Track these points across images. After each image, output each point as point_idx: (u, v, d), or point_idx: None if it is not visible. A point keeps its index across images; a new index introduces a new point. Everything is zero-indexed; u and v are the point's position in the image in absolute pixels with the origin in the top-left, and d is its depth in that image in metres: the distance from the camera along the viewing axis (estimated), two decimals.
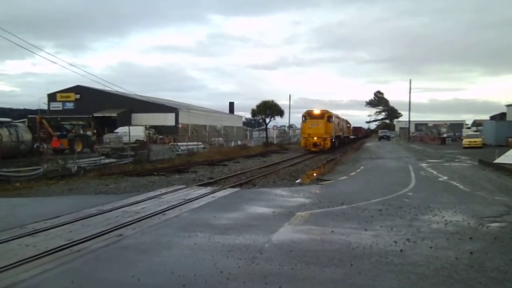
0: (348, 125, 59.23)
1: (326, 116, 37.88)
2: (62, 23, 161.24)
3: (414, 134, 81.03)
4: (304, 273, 5.60)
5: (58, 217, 9.23)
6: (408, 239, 7.24)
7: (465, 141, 43.13)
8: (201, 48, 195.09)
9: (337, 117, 43.94)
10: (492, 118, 64.42)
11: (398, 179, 16.61)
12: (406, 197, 12.07)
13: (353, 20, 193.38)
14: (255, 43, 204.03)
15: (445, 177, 17.18)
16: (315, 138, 36.37)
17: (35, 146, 29.87)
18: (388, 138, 73.71)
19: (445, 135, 64.77)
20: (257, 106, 52.52)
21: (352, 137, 64.58)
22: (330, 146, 36.70)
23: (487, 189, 13.80)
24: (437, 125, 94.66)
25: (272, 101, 52.52)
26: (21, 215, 9.72)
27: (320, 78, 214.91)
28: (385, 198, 11.81)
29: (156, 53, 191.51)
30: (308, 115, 38.56)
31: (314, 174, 19.71)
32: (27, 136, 28.68)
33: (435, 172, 19.20)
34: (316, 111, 38.48)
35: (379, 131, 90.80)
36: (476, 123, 79.42)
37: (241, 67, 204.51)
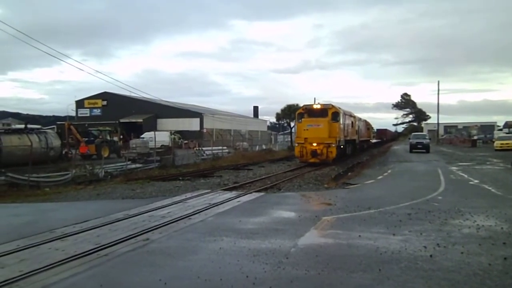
0: (368, 126, 48.74)
1: (331, 113, 26.74)
2: (89, 32, 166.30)
3: (443, 137, 79.33)
4: (331, 278, 5.51)
5: (86, 221, 9.39)
6: (438, 244, 7.04)
7: (497, 143, 42.14)
8: (224, 53, 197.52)
9: (350, 115, 32.52)
10: None
11: (427, 183, 16.23)
12: (436, 201, 11.77)
13: (375, 22, 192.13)
14: (277, 48, 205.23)
15: (476, 181, 16.70)
16: (314, 144, 25.59)
17: (63, 152, 30.71)
18: (427, 148, 40.53)
19: (475, 137, 63.08)
20: (282, 110, 52.62)
21: (374, 141, 58.12)
22: (336, 155, 25.98)
23: None
24: (467, 127, 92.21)
25: (297, 105, 52.31)
26: (51, 220, 9.94)
27: (345, 81, 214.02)
28: (413, 202, 11.55)
29: (179, 59, 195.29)
30: (305, 112, 27.65)
31: (340, 178, 19.44)
32: (56, 142, 29.47)
33: (465, 176, 18.70)
34: (316, 106, 27.83)
35: (412, 134, 54.08)
36: (508, 125, 77.26)
37: (264, 71, 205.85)
